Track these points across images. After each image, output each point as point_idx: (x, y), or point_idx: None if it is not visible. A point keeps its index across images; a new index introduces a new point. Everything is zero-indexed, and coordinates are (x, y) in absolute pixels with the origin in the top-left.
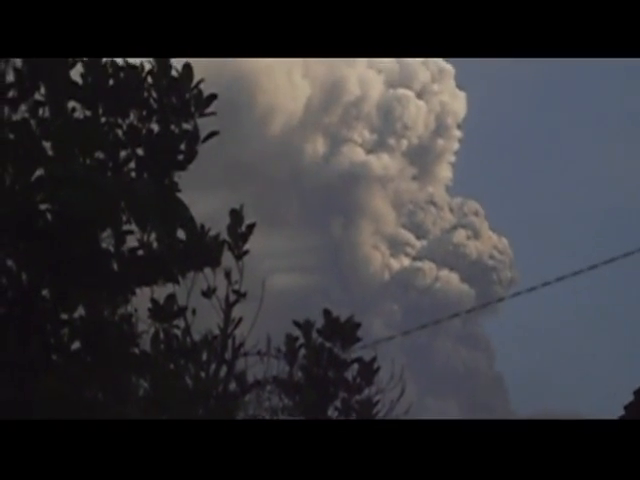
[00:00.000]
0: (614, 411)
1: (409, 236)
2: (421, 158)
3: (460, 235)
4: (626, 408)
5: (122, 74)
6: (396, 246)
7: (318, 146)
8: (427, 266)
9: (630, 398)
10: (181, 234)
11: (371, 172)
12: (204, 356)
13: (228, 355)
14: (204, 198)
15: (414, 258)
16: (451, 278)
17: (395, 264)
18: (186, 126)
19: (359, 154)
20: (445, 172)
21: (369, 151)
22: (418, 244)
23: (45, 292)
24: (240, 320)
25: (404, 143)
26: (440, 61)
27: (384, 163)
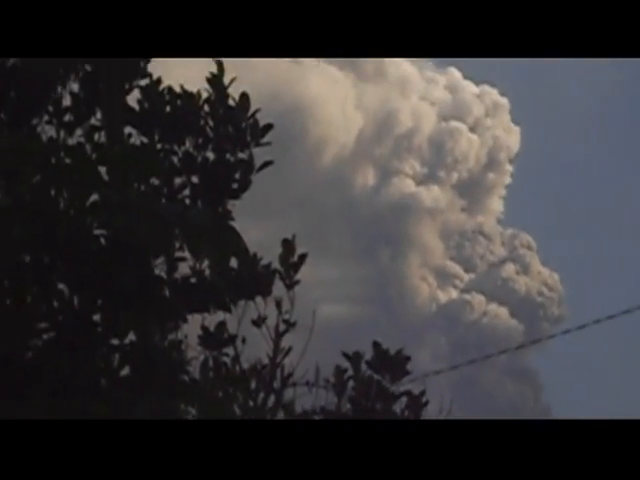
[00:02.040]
0: None
1: (457, 268)
2: (471, 191)
3: (509, 269)
4: None
5: (179, 101)
6: (444, 278)
7: (369, 177)
8: (475, 299)
9: None
10: (233, 262)
11: (420, 204)
12: (253, 385)
13: (277, 384)
14: (256, 227)
15: (462, 291)
16: (500, 312)
17: (443, 296)
18: (241, 155)
19: (409, 186)
20: (496, 205)
21: (419, 183)
22: (466, 277)
23: (96, 317)
24: (289, 350)
25: (454, 176)
26: (495, 94)
27: (434, 195)
